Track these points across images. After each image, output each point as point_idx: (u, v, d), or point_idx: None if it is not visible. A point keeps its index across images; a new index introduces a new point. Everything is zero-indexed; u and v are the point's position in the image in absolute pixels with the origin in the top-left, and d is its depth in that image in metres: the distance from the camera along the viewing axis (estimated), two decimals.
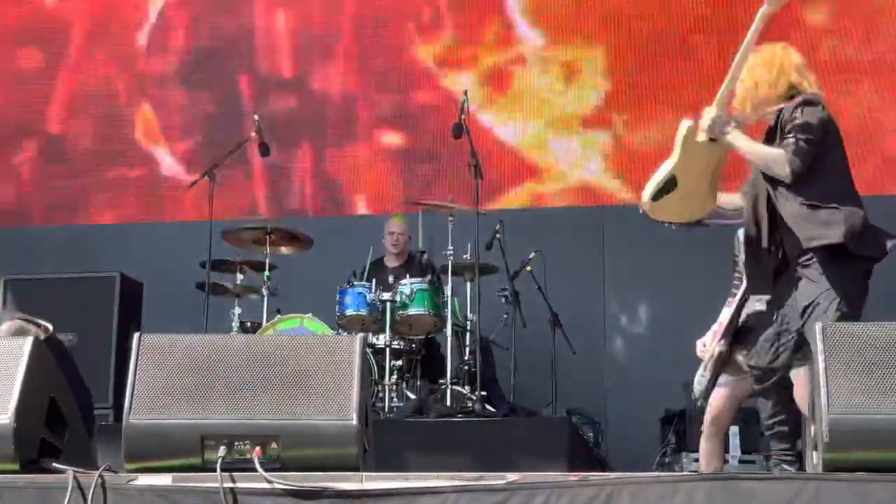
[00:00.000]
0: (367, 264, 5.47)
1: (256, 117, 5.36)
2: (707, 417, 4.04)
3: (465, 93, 5.18)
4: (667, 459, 5.17)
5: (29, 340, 3.21)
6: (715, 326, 3.87)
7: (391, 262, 5.61)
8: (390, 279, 5.37)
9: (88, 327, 4.95)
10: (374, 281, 5.21)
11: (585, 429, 5.39)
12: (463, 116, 4.96)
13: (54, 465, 3.30)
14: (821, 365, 3.02)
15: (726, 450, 4.44)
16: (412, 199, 5.84)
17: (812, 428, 3.25)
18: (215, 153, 5.64)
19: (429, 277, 5.24)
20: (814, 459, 3.24)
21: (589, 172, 6.54)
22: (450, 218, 5.16)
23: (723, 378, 3.85)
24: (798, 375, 3.55)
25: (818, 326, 3.06)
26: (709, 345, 3.83)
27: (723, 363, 3.85)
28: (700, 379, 3.92)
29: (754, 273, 3.52)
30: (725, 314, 3.84)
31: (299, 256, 5.59)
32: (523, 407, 5.27)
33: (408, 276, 5.26)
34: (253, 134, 5.28)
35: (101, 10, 7.16)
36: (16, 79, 6.99)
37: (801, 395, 3.56)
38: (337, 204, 6.83)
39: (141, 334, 3.15)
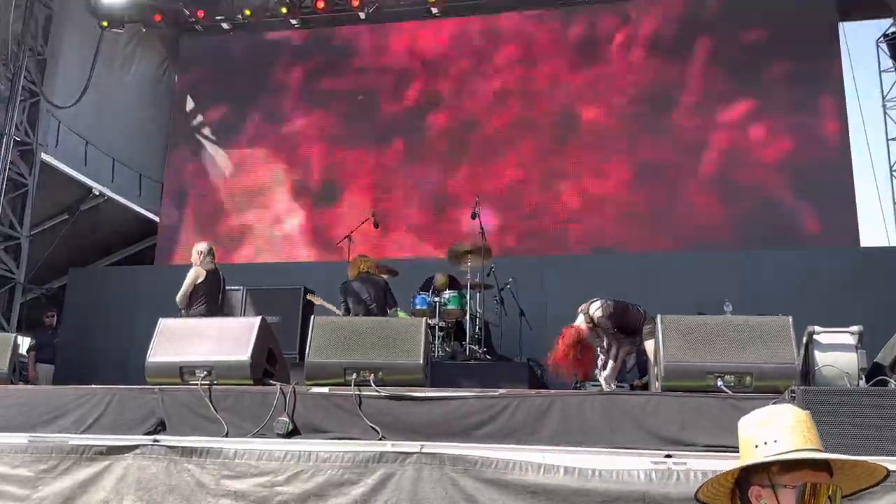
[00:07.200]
0: (427, 278, 9.37)
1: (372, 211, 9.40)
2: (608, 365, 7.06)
3: (477, 198, 9.13)
4: (578, 385, 7.99)
5: (258, 318, 5.63)
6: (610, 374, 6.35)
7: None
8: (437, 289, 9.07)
9: (288, 313, 8.89)
10: (430, 290, 8.93)
11: (537, 369, 8.18)
12: (476, 209, 8.95)
13: (270, 381, 5.41)
14: (660, 336, 4.95)
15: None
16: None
17: (655, 369, 5.31)
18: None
19: (457, 290, 8.83)
20: (656, 385, 5.19)
21: None
22: (468, 263, 8.85)
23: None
24: (647, 344, 6.23)
25: (659, 317, 4.98)
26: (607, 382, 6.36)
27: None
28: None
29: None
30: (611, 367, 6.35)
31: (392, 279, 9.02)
32: (505, 357, 8.90)
33: (447, 288, 8.94)
34: (370, 217, 9.32)
35: None
36: None
37: (650, 352, 6.12)
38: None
39: (314, 317, 5.69)
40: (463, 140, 12.65)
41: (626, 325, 6.42)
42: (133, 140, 13.93)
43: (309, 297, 8.49)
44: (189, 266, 8.06)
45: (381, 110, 13.18)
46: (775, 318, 4.85)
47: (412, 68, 13.28)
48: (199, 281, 7.89)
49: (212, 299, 7.96)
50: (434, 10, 12.16)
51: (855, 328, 4.85)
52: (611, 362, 6.39)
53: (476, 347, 8.55)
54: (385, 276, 8.67)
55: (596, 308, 6.30)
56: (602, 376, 6.47)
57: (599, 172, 12.07)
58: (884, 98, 12.99)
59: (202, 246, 8.23)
